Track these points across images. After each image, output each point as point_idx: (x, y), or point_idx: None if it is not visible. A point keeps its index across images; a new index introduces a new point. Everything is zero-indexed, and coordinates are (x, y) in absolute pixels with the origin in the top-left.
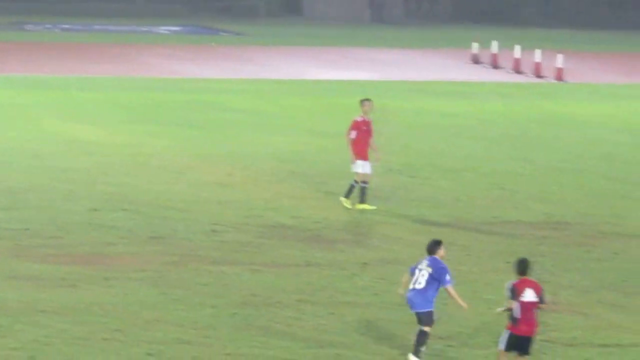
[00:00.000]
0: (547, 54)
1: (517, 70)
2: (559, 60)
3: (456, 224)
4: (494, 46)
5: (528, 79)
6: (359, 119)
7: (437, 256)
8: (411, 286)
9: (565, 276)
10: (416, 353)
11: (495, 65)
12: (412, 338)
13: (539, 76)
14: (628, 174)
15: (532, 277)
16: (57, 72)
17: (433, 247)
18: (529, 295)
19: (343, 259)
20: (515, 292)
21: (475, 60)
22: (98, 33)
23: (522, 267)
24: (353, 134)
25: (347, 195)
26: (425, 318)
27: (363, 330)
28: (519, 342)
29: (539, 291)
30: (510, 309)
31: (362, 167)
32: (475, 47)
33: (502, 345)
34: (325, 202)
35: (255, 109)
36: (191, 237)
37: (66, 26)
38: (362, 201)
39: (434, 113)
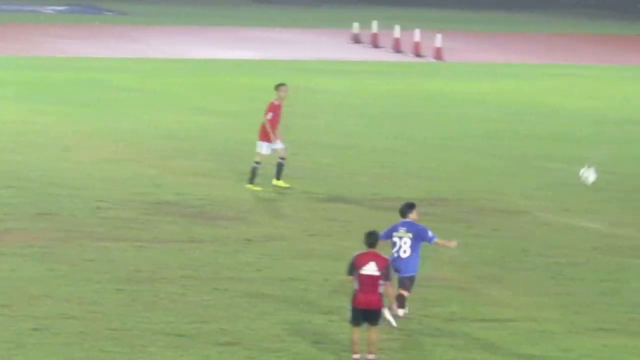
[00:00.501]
0: (426, 34)
1: (397, 49)
2: (438, 40)
3: (338, 200)
4: (374, 26)
5: (408, 58)
6: (275, 102)
7: (410, 219)
8: (395, 254)
9: (445, 252)
10: (392, 311)
11: (375, 45)
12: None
13: (418, 55)
14: (506, 151)
15: (380, 250)
16: None
17: (406, 210)
18: (369, 269)
19: (226, 235)
20: (354, 265)
21: (356, 39)
22: None
23: (371, 239)
24: (269, 116)
25: (278, 176)
26: (410, 283)
27: (246, 305)
28: (363, 315)
29: (382, 265)
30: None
31: (271, 148)
32: (355, 27)
33: (349, 320)
34: (209, 179)
35: (140, 87)
36: (77, 213)
37: None
38: (277, 177)
39: (316, 91)
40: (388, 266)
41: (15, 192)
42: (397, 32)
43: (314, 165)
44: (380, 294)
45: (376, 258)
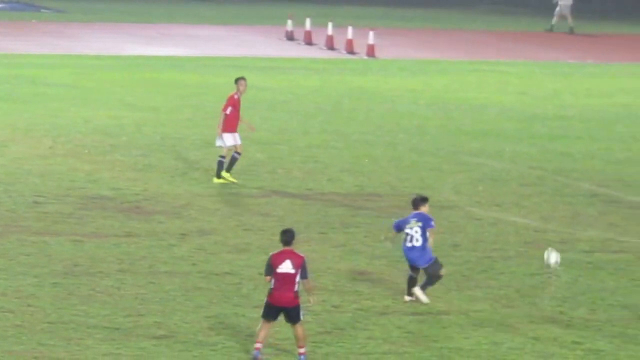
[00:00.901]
0: (359, 31)
1: (330, 46)
2: (370, 37)
3: (272, 196)
4: (307, 23)
5: (341, 55)
6: (235, 96)
7: (422, 211)
8: (408, 245)
9: (377, 246)
10: (423, 288)
11: (309, 42)
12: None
13: (351, 52)
14: (437, 147)
15: (296, 248)
16: None
17: (419, 202)
18: (285, 267)
19: (162, 230)
20: (271, 265)
21: (290, 37)
22: None
23: (286, 237)
24: (229, 110)
25: (229, 169)
26: (434, 266)
27: (181, 299)
28: (276, 311)
29: (298, 263)
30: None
31: (234, 140)
32: (289, 25)
33: (262, 312)
34: (145, 174)
35: (75, 83)
36: (14, 208)
37: None
38: (228, 169)
39: (249, 88)
40: (304, 264)
41: None
42: (330, 29)
43: (248, 161)
44: (296, 292)
45: (292, 256)
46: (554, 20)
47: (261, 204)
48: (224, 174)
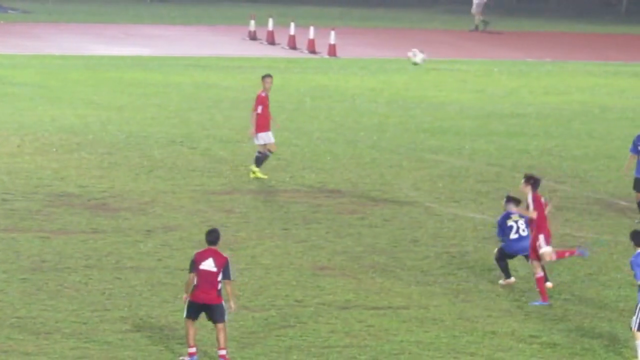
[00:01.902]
0: (321, 31)
1: (292, 46)
2: (332, 37)
3: (235, 192)
4: (270, 23)
5: (303, 54)
6: (262, 94)
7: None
8: (515, 236)
9: (339, 242)
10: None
11: (271, 42)
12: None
13: (312, 52)
14: (397, 145)
15: (220, 248)
16: None
17: (510, 201)
18: (207, 264)
19: (128, 227)
20: (195, 262)
21: (252, 36)
22: None
23: (211, 237)
24: (259, 109)
25: (258, 165)
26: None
27: (147, 294)
28: (199, 309)
29: (220, 263)
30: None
31: (267, 138)
32: (252, 25)
33: (184, 313)
34: (111, 172)
35: (41, 83)
36: None
37: None
38: (258, 165)
39: (211, 87)
40: (227, 264)
41: None
42: (292, 29)
43: (212, 158)
44: (219, 291)
45: (215, 255)
46: (477, 18)
47: (225, 201)
48: (253, 168)
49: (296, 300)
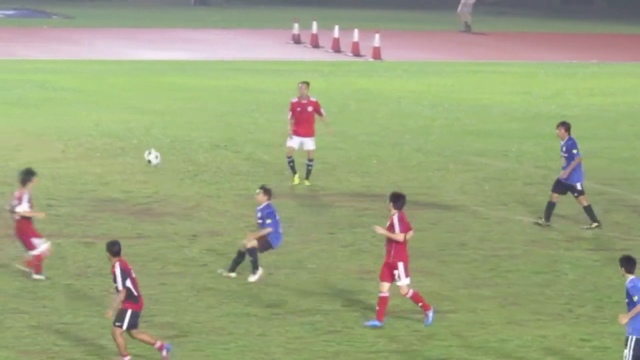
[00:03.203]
0: (365, 34)
1: (336, 49)
2: (376, 39)
3: (280, 196)
4: (314, 26)
5: (347, 57)
6: (294, 100)
7: None
8: None
9: (384, 246)
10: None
11: (315, 45)
12: None
13: (357, 55)
14: (442, 147)
15: None
16: None
17: None
18: (134, 272)
19: (172, 231)
20: (126, 272)
21: (296, 40)
22: None
23: (117, 248)
24: (289, 115)
25: (307, 176)
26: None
27: (192, 299)
28: (139, 319)
29: (129, 269)
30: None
31: (300, 144)
32: (295, 28)
33: (124, 325)
34: (155, 176)
35: (83, 88)
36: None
37: None
38: (301, 175)
39: (254, 90)
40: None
41: None
42: (336, 32)
43: (255, 162)
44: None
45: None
46: (468, 19)
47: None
48: (299, 178)
49: (343, 305)
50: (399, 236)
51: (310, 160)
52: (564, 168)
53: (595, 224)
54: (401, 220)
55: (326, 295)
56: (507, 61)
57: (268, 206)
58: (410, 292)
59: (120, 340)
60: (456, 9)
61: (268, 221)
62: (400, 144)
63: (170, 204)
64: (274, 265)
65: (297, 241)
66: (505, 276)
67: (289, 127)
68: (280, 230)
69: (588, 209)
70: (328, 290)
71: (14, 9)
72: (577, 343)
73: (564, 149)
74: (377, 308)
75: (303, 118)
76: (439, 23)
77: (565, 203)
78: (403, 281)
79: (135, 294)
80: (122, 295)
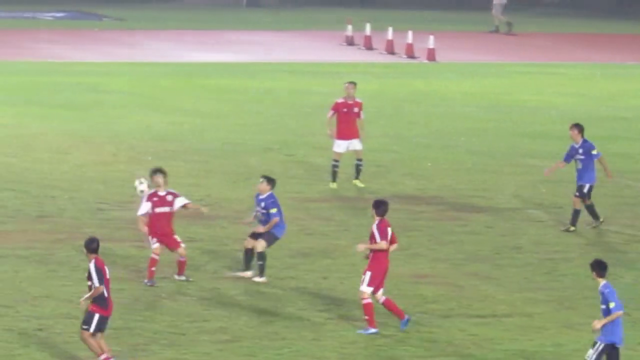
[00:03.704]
0: (419, 35)
1: (390, 51)
2: (431, 41)
3: (333, 200)
4: (367, 28)
5: (401, 59)
6: (339, 100)
7: None
8: None
9: (440, 249)
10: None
11: (368, 47)
12: None
13: (411, 56)
14: (497, 150)
15: None
16: None
17: None
18: (108, 273)
19: (224, 235)
20: (102, 272)
21: (349, 42)
22: None
23: (95, 245)
24: (330, 114)
25: (357, 176)
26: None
27: (245, 303)
28: (106, 323)
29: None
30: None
31: (346, 147)
32: (349, 29)
33: (91, 328)
34: (207, 180)
35: (134, 90)
36: (78, 215)
37: None
38: (356, 177)
39: (307, 93)
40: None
41: (15, 194)
42: (390, 34)
43: (308, 166)
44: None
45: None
46: (497, 20)
47: (323, 209)
48: (355, 181)
49: None
50: (381, 244)
51: (360, 159)
52: (577, 170)
53: (597, 222)
54: (380, 228)
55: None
56: (562, 62)
57: (271, 195)
58: (368, 302)
59: (90, 341)
60: (507, 11)
61: (273, 210)
62: (454, 146)
63: (221, 208)
64: (328, 270)
65: (351, 245)
66: (561, 280)
67: (328, 128)
68: (284, 220)
69: (577, 213)
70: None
71: (65, 11)
72: (635, 347)
73: (580, 151)
74: (366, 317)
75: (349, 119)
76: (493, 24)
77: (622, 204)
78: (362, 286)
79: (106, 296)
80: (98, 291)
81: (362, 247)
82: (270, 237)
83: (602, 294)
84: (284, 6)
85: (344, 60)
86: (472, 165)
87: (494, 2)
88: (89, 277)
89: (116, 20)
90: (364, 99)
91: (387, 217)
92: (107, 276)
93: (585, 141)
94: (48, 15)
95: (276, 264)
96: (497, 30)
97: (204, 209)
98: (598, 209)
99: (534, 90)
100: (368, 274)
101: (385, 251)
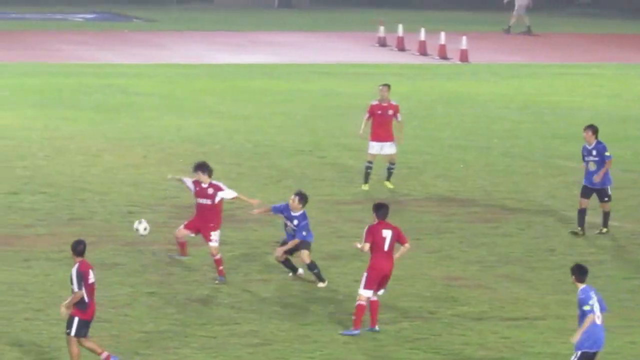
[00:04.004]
0: (452, 36)
1: (423, 52)
2: (463, 42)
3: (365, 202)
4: (400, 29)
5: (433, 60)
6: (374, 102)
7: None
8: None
9: (472, 252)
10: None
11: (401, 48)
12: None
13: (443, 58)
14: (530, 151)
15: None
16: None
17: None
18: (92, 276)
19: (255, 238)
20: (84, 276)
21: (382, 43)
22: (13, 21)
23: (81, 247)
24: (366, 117)
25: (388, 178)
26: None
27: (276, 307)
28: (87, 327)
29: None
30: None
31: (379, 149)
32: (381, 31)
33: (72, 332)
34: (238, 183)
35: (165, 92)
36: (108, 218)
37: None
38: (387, 178)
39: (339, 94)
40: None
41: (46, 197)
42: (422, 35)
43: (341, 168)
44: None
45: (90, 267)
46: (512, 20)
47: (354, 211)
48: (386, 183)
49: (429, 312)
50: (363, 247)
51: (392, 163)
52: (589, 172)
53: (605, 229)
54: (370, 230)
55: (412, 303)
56: (596, 63)
57: (305, 215)
58: (361, 304)
59: (72, 347)
60: (539, 11)
61: (304, 233)
62: (487, 147)
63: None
64: (359, 272)
65: None
66: (594, 282)
67: (362, 130)
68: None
69: (607, 215)
70: (414, 297)
71: (96, 12)
72: None
73: (594, 152)
74: (354, 317)
75: (383, 121)
76: (524, 25)
77: None
78: (360, 289)
79: (87, 300)
80: (77, 297)
81: (354, 245)
82: (308, 245)
83: (579, 300)
84: (315, 7)
85: (376, 61)
86: (505, 167)
87: (517, 2)
88: (71, 281)
89: (147, 21)
90: (395, 99)
91: (421, 218)
92: (91, 280)
93: (599, 142)
94: (78, 17)
95: (301, 265)
96: (529, 31)
97: (254, 202)
98: (632, 212)
99: (568, 91)
100: (364, 275)
101: (383, 253)
